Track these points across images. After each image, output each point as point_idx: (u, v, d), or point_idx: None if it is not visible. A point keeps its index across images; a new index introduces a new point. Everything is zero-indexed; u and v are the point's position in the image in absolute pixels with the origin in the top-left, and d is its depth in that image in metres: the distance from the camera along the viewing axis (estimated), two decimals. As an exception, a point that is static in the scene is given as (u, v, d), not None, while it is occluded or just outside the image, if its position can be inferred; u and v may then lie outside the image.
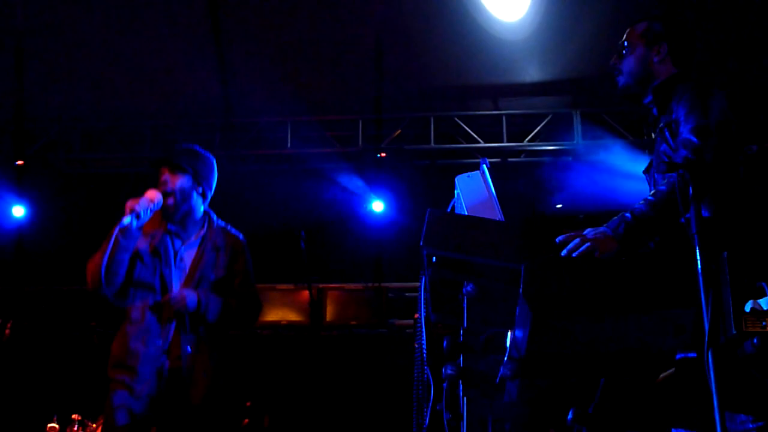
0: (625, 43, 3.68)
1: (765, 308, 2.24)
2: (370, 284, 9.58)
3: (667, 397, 2.74)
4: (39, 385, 8.77)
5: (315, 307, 9.07)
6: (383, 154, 9.06)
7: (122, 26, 7.74)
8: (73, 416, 7.21)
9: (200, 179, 4.65)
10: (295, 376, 9.09)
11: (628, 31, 3.74)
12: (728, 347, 2.25)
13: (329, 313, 9.42)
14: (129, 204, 4.34)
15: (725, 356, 2.24)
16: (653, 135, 3.63)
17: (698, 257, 2.26)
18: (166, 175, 4.59)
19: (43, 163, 9.38)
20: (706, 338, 2.17)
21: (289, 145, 9.16)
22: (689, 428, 2.91)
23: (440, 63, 8.31)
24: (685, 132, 3.15)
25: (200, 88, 8.73)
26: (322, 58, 8.32)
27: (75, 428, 7.18)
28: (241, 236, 4.81)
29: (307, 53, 8.25)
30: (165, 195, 4.52)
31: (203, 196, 4.69)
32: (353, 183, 9.32)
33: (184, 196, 4.57)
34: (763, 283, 2.24)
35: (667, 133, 3.33)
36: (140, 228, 4.42)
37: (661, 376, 2.83)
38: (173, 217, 4.58)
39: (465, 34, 7.78)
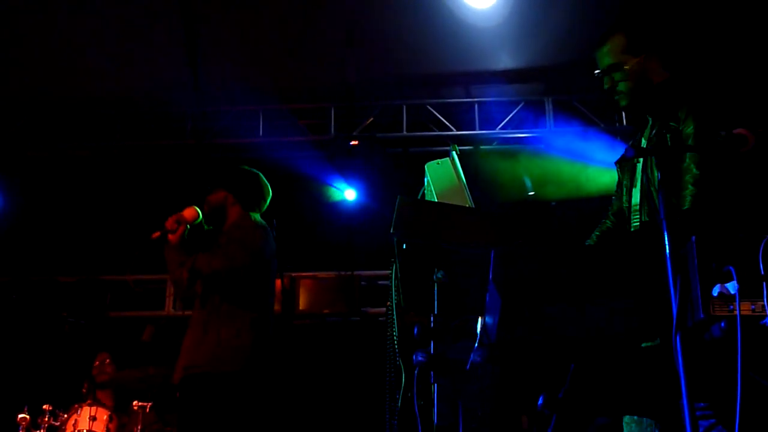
0: (614, 64, 3.65)
1: (732, 292, 2.26)
2: (342, 272, 9.56)
3: (634, 384, 2.76)
4: (9, 375, 8.71)
5: (287, 296, 9.05)
6: (355, 142, 9.04)
7: (92, 11, 7.67)
8: (45, 406, 7.17)
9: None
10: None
11: (607, 47, 3.68)
12: (695, 331, 2.26)
13: (302, 301, 9.38)
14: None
15: (692, 341, 2.26)
16: (648, 136, 3.64)
17: (666, 242, 2.27)
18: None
19: (11, 152, 9.28)
20: (674, 323, 2.19)
21: (260, 133, 9.13)
22: (651, 417, 2.93)
23: (412, 50, 8.29)
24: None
25: (171, 76, 8.67)
26: (293, 46, 8.28)
27: (46, 418, 7.13)
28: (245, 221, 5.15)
29: (278, 41, 8.21)
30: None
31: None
32: (325, 171, 9.30)
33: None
34: (731, 267, 2.26)
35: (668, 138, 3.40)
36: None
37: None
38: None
39: (437, 21, 7.77)
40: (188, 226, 5.08)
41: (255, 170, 5.43)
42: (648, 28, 3.79)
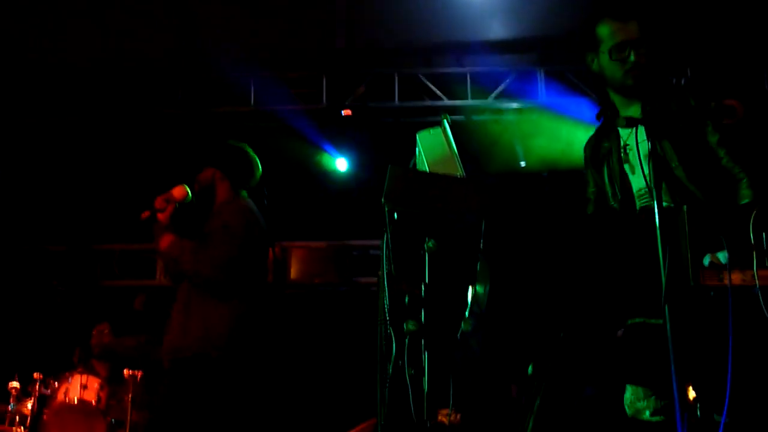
0: (641, 39, 3.54)
1: (723, 262, 2.27)
2: (334, 242, 9.57)
3: (624, 354, 2.77)
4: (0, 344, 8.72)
5: (279, 266, 9.06)
6: (347, 112, 9.01)
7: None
8: (35, 375, 7.18)
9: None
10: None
11: (635, 24, 3.58)
12: (686, 300, 2.27)
13: (293, 271, 9.41)
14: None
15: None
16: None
17: (656, 212, 2.27)
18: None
19: (1, 120, 9.23)
20: (663, 293, 2.19)
21: (252, 102, 9.09)
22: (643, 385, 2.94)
23: (404, 19, 8.26)
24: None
25: (162, 44, 8.62)
26: (286, 14, 8.24)
27: (37, 386, 7.14)
28: (233, 203, 5.08)
29: (271, 8, 8.16)
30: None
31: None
32: (317, 140, 9.28)
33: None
34: (722, 237, 2.26)
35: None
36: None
37: (620, 332, 2.87)
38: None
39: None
40: (177, 204, 5.04)
41: (242, 145, 5.33)
42: (657, 18, 3.76)
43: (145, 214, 4.97)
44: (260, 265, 5.08)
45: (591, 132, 3.91)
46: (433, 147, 2.99)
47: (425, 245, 2.83)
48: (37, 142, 9.41)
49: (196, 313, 4.78)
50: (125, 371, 7.02)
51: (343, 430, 6.95)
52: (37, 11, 8.00)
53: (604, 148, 3.71)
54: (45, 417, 7.09)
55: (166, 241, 4.87)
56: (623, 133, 3.60)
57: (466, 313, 2.83)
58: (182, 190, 5.02)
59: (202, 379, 4.66)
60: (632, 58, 3.54)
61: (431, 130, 3.04)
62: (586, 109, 8.55)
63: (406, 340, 2.98)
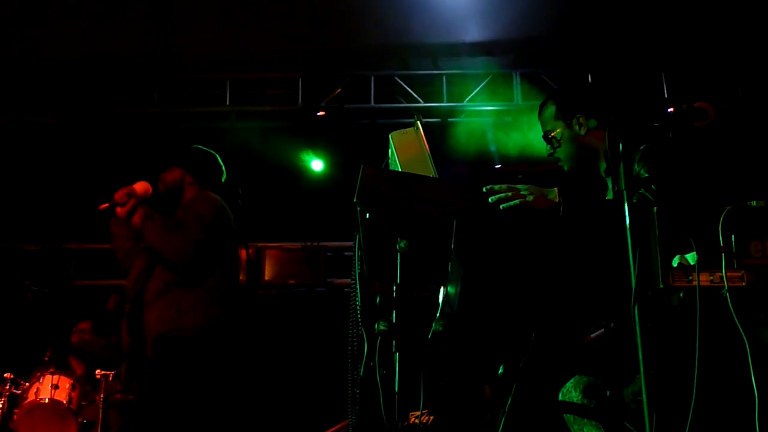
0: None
1: (692, 263, 2.28)
2: (308, 243, 9.57)
3: (595, 355, 2.78)
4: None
5: (253, 266, 9.03)
6: (323, 113, 8.99)
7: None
8: (5, 375, 7.13)
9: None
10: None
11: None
12: (655, 301, 2.28)
13: (267, 272, 9.39)
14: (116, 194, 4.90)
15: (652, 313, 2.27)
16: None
17: (626, 213, 2.28)
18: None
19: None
20: (633, 293, 2.20)
21: (227, 102, 9.05)
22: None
23: (380, 21, 8.25)
24: None
25: (138, 43, 8.57)
26: (262, 14, 8.21)
27: (7, 387, 7.09)
28: (203, 196, 5.09)
29: (246, 9, 8.14)
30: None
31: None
32: (292, 141, 9.26)
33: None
34: (691, 238, 2.27)
35: None
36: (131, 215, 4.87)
37: (592, 335, 2.87)
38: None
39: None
40: (138, 200, 4.93)
41: (211, 150, 5.38)
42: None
43: (104, 205, 4.91)
44: (232, 254, 5.10)
45: None
46: (406, 147, 2.99)
47: (397, 245, 2.83)
48: (10, 140, 9.31)
49: (173, 302, 4.79)
50: (97, 371, 6.99)
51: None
52: (12, 9, 7.93)
53: None
54: (15, 417, 7.04)
55: (139, 215, 4.85)
56: None
57: (438, 314, 2.83)
58: (144, 186, 4.99)
59: (185, 359, 4.68)
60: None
61: (404, 131, 3.05)
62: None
63: (378, 341, 2.98)
